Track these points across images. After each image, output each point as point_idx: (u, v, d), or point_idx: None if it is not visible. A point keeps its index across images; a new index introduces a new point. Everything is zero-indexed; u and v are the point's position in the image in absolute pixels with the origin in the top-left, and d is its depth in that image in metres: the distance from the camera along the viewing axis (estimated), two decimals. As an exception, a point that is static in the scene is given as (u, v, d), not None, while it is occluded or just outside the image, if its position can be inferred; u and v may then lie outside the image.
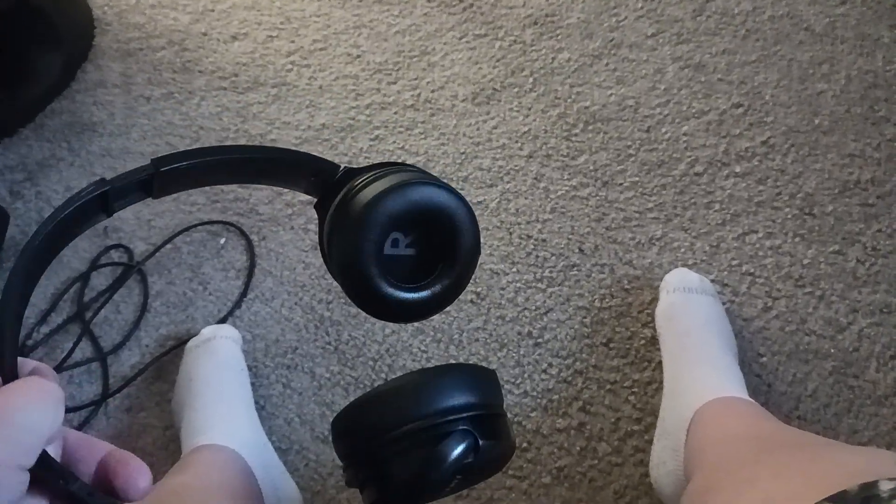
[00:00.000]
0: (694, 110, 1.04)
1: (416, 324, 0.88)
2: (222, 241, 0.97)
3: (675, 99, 1.06)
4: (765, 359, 0.81)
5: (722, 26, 1.13)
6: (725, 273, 0.88)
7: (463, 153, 1.03)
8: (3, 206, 0.98)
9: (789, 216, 0.92)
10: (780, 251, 0.89)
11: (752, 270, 0.88)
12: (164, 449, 0.82)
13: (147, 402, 0.85)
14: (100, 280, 0.95)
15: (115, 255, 0.97)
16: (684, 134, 1.02)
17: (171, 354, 0.88)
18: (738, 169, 0.97)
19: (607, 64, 1.11)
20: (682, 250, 0.91)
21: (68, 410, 0.84)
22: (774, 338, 0.83)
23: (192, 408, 0.73)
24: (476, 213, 0.95)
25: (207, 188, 1.02)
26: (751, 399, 0.66)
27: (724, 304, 0.84)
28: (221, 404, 0.74)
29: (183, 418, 0.74)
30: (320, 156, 0.40)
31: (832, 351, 0.81)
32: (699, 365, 0.70)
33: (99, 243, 0.98)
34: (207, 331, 0.84)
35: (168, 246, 0.97)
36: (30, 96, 1.12)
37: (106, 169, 1.06)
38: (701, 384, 0.67)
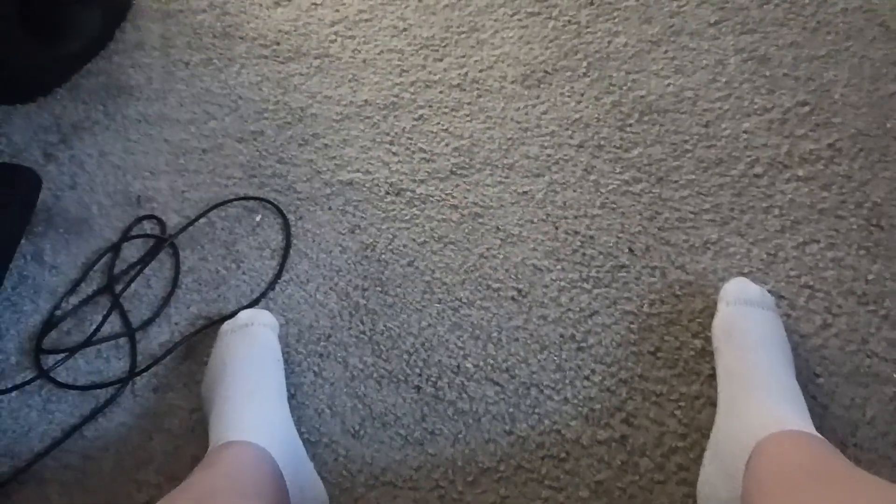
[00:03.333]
0: (756, 106, 0.98)
1: (454, 320, 0.85)
2: (258, 218, 0.94)
3: (736, 93, 1.00)
4: (821, 380, 0.77)
5: (790, 17, 1.07)
6: (783, 284, 0.83)
7: (510, 139, 0.99)
8: (35, 169, 0.95)
9: (854, 227, 0.87)
10: (842, 264, 0.84)
11: (811, 283, 0.83)
12: (191, 432, 0.80)
13: (175, 383, 0.83)
14: (131, 251, 0.93)
15: (148, 227, 0.95)
16: (745, 131, 0.96)
17: (202, 334, 0.85)
18: (800, 172, 0.92)
19: (666, 51, 1.05)
20: (738, 257, 0.86)
21: (97, 386, 0.83)
22: (833, 357, 0.79)
23: (223, 398, 0.71)
24: (521, 205, 0.91)
25: (245, 161, 0.99)
26: (818, 434, 0.62)
27: (780, 317, 0.80)
28: (254, 398, 0.71)
29: (213, 407, 0.72)
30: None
31: (894, 376, 0.77)
32: (764, 389, 0.66)
33: (131, 213, 0.96)
34: (244, 315, 0.81)
35: (202, 220, 0.94)
36: (67, 54, 1.09)
37: (142, 135, 1.03)
38: (766, 412, 0.63)
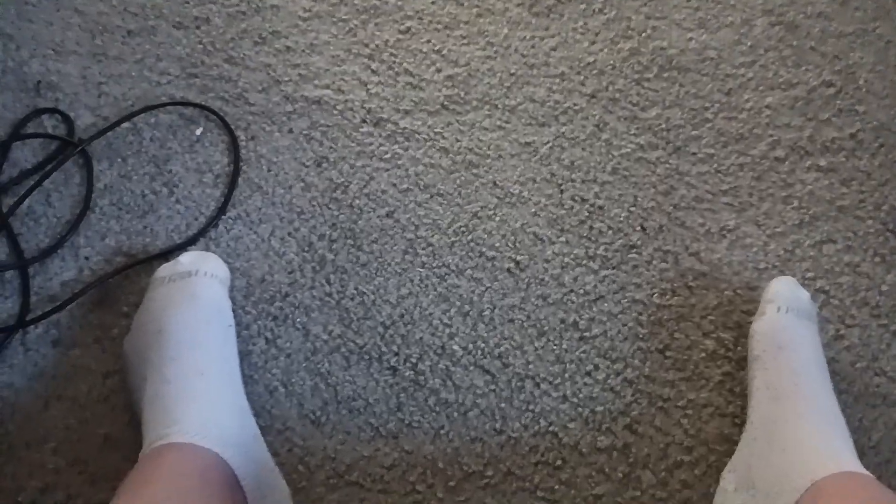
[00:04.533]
0: (781, 80, 0.89)
1: (439, 290, 0.71)
2: (198, 131, 0.75)
3: (761, 61, 0.90)
4: (833, 397, 0.71)
5: (819, -18, 0.97)
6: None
7: (513, 74, 0.84)
8: None
9: (871, 230, 0.81)
10: (857, 270, 0.78)
11: (826, 288, 0.77)
12: (104, 401, 0.63)
13: (83, 337, 0.65)
14: (25, 154, 0.71)
15: (49, 125, 0.73)
16: (767, 106, 0.87)
17: (121, 276, 0.67)
18: (822, 162, 0.84)
19: (690, 0, 0.93)
20: (755, 249, 0.78)
21: (-29, 334, 0.63)
22: (844, 373, 0.73)
23: (160, 377, 0.55)
24: (522, 158, 0.77)
25: (184, 54, 0.77)
26: (870, 474, 0.56)
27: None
28: (201, 381, 0.55)
29: (146, 386, 0.55)
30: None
31: (904, 400, 0.72)
32: (817, 419, 0.59)
33: (27, 102, 0.73)
34: (187, 259, 0.63)
35: (125, 125, 0.73)
36: None
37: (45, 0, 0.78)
38: (823, 447, 0.56)
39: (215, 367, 0.58)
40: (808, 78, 0.89)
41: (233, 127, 0.75)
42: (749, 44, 0.91)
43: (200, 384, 0.55)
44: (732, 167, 0.82)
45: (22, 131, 0.71)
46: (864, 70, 0.90)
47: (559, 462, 0.66)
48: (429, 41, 0.84)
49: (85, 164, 0.71)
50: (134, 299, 0.66)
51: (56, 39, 0.77)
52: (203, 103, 0.76)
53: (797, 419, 0.59)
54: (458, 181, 0.77)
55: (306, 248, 0.71)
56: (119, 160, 0.72)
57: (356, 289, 0.70)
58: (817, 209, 0.81)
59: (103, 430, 0.62)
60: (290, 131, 0.77)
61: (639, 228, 0.77)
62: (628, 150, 0.81)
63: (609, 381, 0.70)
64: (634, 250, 0.76)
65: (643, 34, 0.89)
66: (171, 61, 0.78)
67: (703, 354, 0.72)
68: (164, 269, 0.63)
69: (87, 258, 0.68)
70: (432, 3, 0.87)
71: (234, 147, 0.74)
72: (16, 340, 0.64)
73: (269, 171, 0.74)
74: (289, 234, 0.72)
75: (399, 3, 0.86)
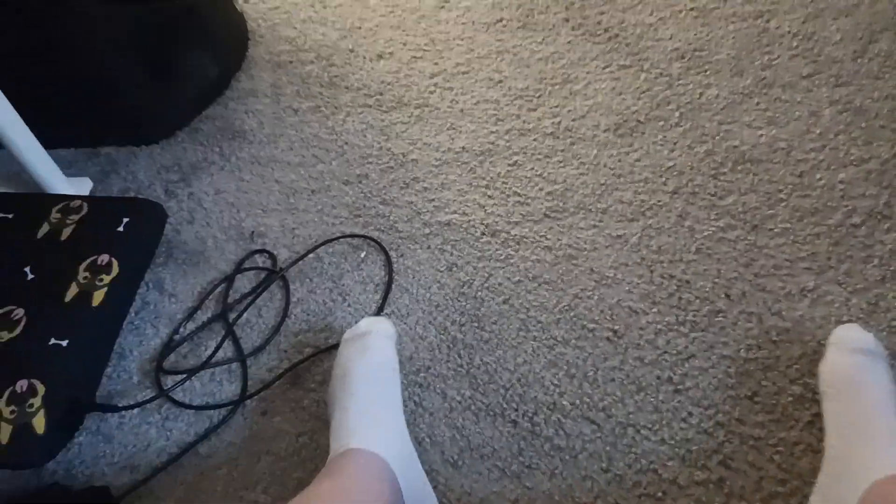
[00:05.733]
0: (853, 157, 0.99)
1: (549, 357, 0.87)
2: (363, 254, 0.99)
3: (831, 144, 1.01)
4: (929, 431, 0.76)
5: (885, 70, 1.08)
6: (885, 333, 0.83)
7: (603, 184, 1.02)
8: (160, 204, 1.04)
9: (959, 279, 0.86)
10: (947, 316, 0.83)
11: (915, 334, 0.83)
12: (296, 455, 0.84)
13: (282, 408, 0.88)
14: (244, 283, 0.99)
15: (260, 260, 1.01)
16: (841, 182, 0.97)
17: (308, 362, 0.90)
18: (901, 223, 0.91)
19: (758, 103, 1.07)
20: (837, 305, 0.86)
21: (210, 407, 0.88)
22: (940, 409, 0.77)
23: (343, 407, 0.75)
24: (615, 248, 0.93)
25: (351, 202, 1.05)
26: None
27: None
28: (373, 407, 0.75)
29: (334, 414, 0.76)
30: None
31: None
32: (879, 438, 0.66)
33: (244, 247, 1.03)
34: (364, 324, 0.85)
35: (311, 255, 1.00)
36: (187, 100, 1.19)
37: (254, 176, 1.11)
38: (882, 455, 0.63)
39: (383, 400, 0.77)
40: (881, 152, 0.99)
41: (387, 249, 0.99)
42: (818, 131, 1.02)
43: (371, 411, 0.75)
44: (809, 237, 0.92)
45: (242, 267, 1.00)
46: (938, 139, 0.98)
47: (660, 494, 0.76)
48: (532, 168, 1.06)
49: (284, 285, 0.98)
50: (319, 378, 0.89)
51: (262, 202, 1.07)
52: (365, 234, 1.01)
53: (862, 440, 0.66)
54: (560, 271, 0.94)
55: (442, 332, 0.91)
56: (307, 280, 0.98)
57: (481, 360, 0.88)
58: (899, 265, 0.88)
59: (297, 474, 0.83)
60: (429, 247, 0.99)
61: (723, 296, 0.89)
62: (709, 232, 0.95)
63: (702, 424, 0.80)
64: (721, 314, 0.88)
65: (717, 137, 1.04)
66: (341, 208, 1.05)
67: (791, 399, 0.80)
68: (349, 332, 0.85)
69: (285, 351, 0.92)
70: (534, 139, 1.09)
71: (388, 263, 0.98)
72: (238, 412, 0.88)
73: (413, 277, 0.97)
74: (429, 322, 0.92)
75: (508, 143, 1.09)
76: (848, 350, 0.75)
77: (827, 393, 0.74)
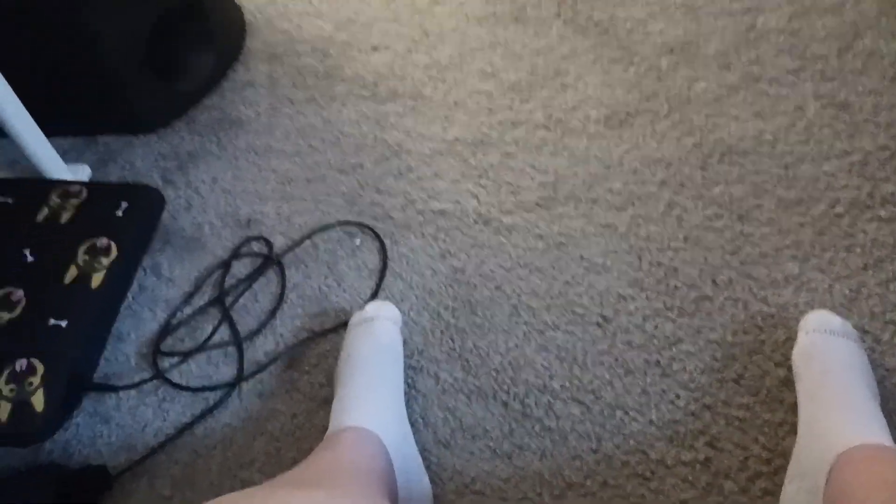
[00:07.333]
0: (837, 150, 1.01)
1: (539, 341, 0.89)
2: (357, 241, 1.01)
3: (815, 137, 1.03)
4: (907, 413, 0.78)
5: (869, 66, 1.10)
6: (867, 320, 0.85)
7: (593, 174, 1.04)
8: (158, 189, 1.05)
9: (938, 267, 0.88)
10: (926, 302, 0.86)
11: (895, 319, 0.85)
12: (291, 435, 0.85)
13: (278, 389, 0.89)
14: (240, 268, 1.01)
15: (256, 247, 1.02)
16: (825, 173, 0.99)
17: (304, 345, 0.92)
18: (882, 213, 0.94)
19: (745, 97, 1.10)
20: (820, 292, 0.88)
21: (207, 389, 0.89)
22: (917, 392, 0.80)
23: (346, 387, 0.77)
24: (605, 236, 0.95)
25: (346, 190, 1.06)
26: (897, 447, 0.64)
27: (864, 349, 0.82)
28: (373, 387, 0.77)
29: (336, 393, 0.78)
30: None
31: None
32: (842, 408, 0.68)
33: (241, 233, 1.04)
34: (370, 308, 0.87)
35: (306, 242, 1.01)
36: (185, 90, 1.20)
37: (250, 164, 1.12)
38: (844, 427, 0.66)
39: (383, 381, 0.79)
40: (864, 145, 1.01)
41: (381, 236, 1.01)
42: (803, 125, 1.05)
43: (371, 393, 0.77)
44: (794, 226, 0.95)
45: (239, 253, 1.01)
46: (919, 133, 1.01)
47: (648, 474, 0.78)
48: (524, 159, 1.08)
49: (280, 271, 0.99)
50: (314, 361, 0.90)
51: (259, 190, 1.09)
52: (360, 222, 1.03)
53: (826, 411, 0.69)
54: (551, 258, 0.96)
55: (435, 317, 0.93)
56: (303, 266, 1.00)
57: (474, 344, 0.90)
58: (881, 253, 0.91)
59: (292, 454, 0.84)
60: (422, 235, 1.01)
61: (710, 282, 0.91)
62: (697, 221, 0.97)
63: (689, 406, 0.82)
64: (707, 300, 0.90)
65: (704, 129, 1.06)
66: (337, 196, 1.07)
67: (776, 381, 0.83)
68: (356, 317, 0.87)
69: (281, 335, 0.94)
70: (526, 131, 1.11)
71: (382, 250, 0.99)
72: (234, 394, 0.90)
73: (407, 264, 0.98)
74: (422, 307, 0.94)
75: (500, 135, 1.11)
76: (817, 332, 0.78)
77: (797, 373, 0.76)
